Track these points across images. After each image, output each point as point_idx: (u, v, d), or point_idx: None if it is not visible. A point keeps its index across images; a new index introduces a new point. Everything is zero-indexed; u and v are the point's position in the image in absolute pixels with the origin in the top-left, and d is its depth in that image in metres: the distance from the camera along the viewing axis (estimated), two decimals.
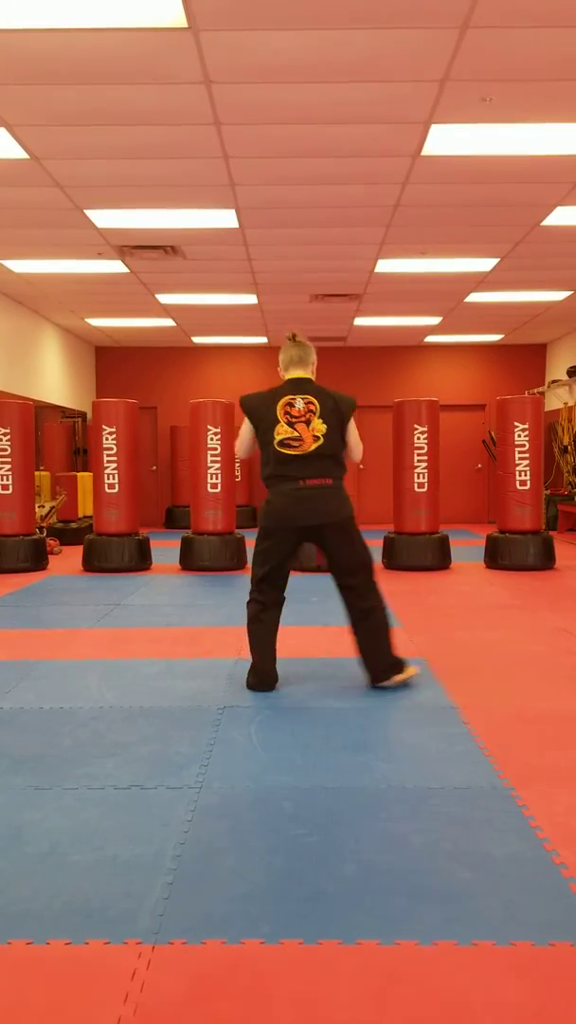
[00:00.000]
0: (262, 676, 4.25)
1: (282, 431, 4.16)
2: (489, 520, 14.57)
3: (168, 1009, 1.82)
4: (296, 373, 4.29)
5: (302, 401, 4.18)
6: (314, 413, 4.15)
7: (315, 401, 4.18)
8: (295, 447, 4.14)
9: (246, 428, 4.33)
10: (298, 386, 4.24)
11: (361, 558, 4.25)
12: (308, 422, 4.14)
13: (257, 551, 4.30)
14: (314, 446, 4.13)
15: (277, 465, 4.18)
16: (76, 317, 12.33)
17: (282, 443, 4.15)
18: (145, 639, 5.52)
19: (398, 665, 4.26)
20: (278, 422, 4.17)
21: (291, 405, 4.18)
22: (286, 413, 4.17)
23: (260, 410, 4.24)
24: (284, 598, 4.35)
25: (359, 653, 4.29)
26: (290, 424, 4.16)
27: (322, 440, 4.14)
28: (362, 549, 4.26)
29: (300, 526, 4.17)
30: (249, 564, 9.44)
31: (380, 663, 4.24)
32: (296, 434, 4.14)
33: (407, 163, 6.26)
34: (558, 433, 13.50)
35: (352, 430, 4.30)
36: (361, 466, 14.66)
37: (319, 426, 4.14)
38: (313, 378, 4.32)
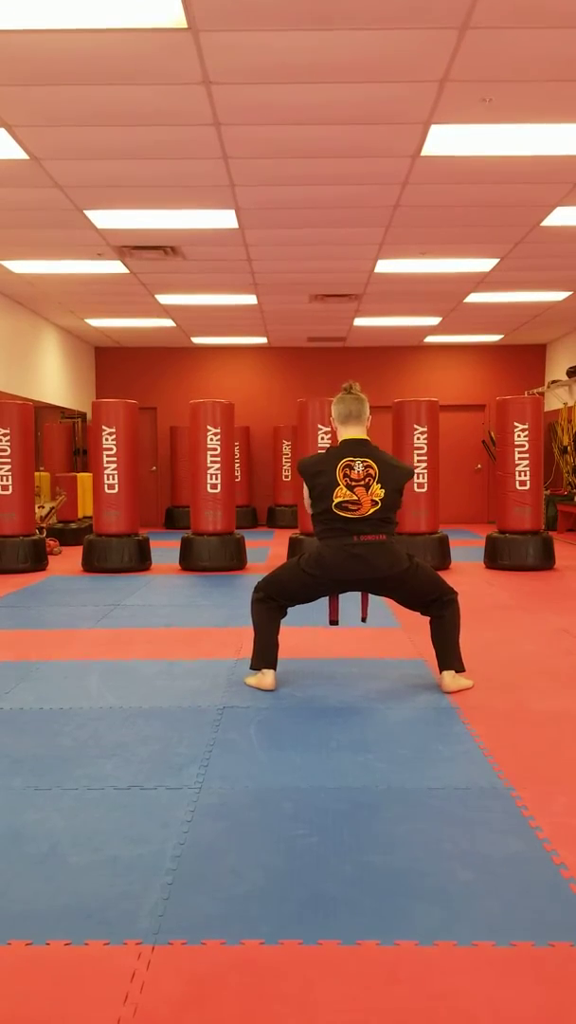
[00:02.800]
0: (262, 649, 4.26)
1: (341, 494, 4.15)
2: (489, 520, 14.57)
3: (168, 1010, 1.82)
4: (352, 432, 4.26)
5: (361, 465, 4.15)
6: (373, 478, 4.13)
7: (374, 466, 4.16)
8: (353, 511, 4.14)
9: (306, 492, 4.33)
10: (356, 448, 4.21)
11: (427, 588, 4.29)
12: (368, 487, 4.13)
13: (293, 571, 4.28)
14: (372, 510, 4.12)
15: (333, 523, 4.18)
16: (76, 318, 12.33)
17: (340, 506, 4.15)
18: (145, 639, 5.52)
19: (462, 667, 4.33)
20: (337, 485, 4.15)
21: (350, 468, 4.16)
22: (345, 476, 4.15)
23: (318, 473, 4.21)
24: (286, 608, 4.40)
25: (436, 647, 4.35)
26: (349, 488, 4.15)
27: (379, 505, 4.13)
28: (426, 583, 4.28)
29: (347, 579, 4.22)
30: (250, 563, 9.42)
31: (453, 653, 4.30)
32: (355, 497, 4.13)
33: (407, 163, 6.26)
34: (558, 433, 13.51)
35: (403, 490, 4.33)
36: None
37: (378, 491, 4.12)
38: (368, 437, 4.30)
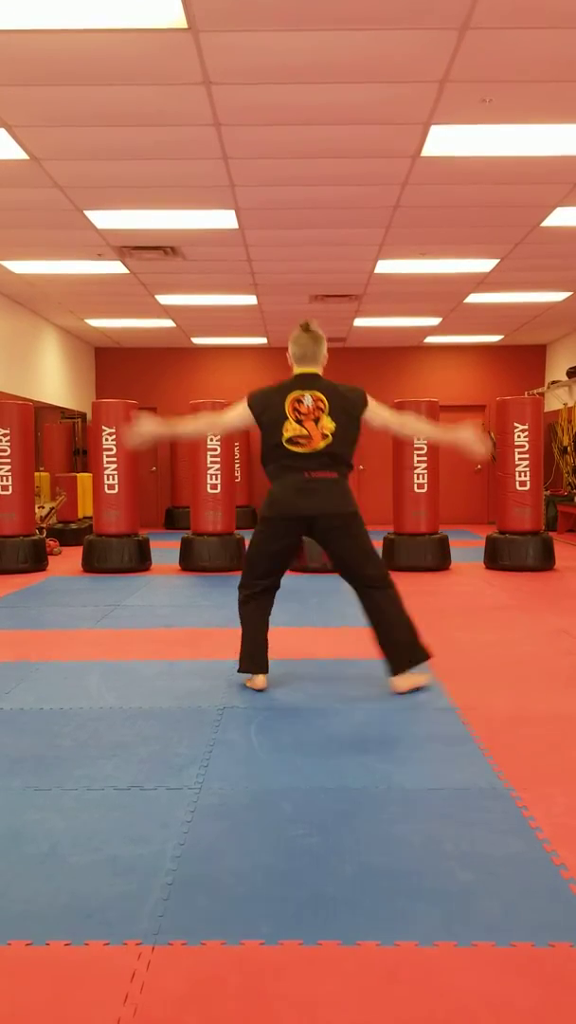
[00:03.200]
0: (251, 652, 4.22)
1: (290, 428, 4.09)
2: (489, 521, 14.57)
3: (168, 1010, 1.82)
4: (305, 368, 4.20)
5: (311, 398, 4.09)
6: (323, 411, 4.07)
7: (324, 398, 4.10)
8: (303, 444, 4.08)
9: (237, 413, 4.23)
10: (307, 382, 4.15)
11: (365, 554, 4.17)
12: (317, 420, 4.07)
13: (253, 539, 4.27)
14: (322, 444, 4.06)
15: (285, 459, 4.12)
16: (76, 318, 12.33)
17: (290, 440, 4.09)
18: (145, 640, 5.52)
19: (417, 654, 4.19)
20: (287, 419, 4.09)
21: (299, 401, 4.10)
22: (295, 410, 4.10)
23: (268, 406, 4.15)
24: (277, 586, 4.30)
25: (379, 647, 4.24)
26: (298, 421, 4.09)
27: (331, 438, 4.06)
28: (367, 545, 4.19)
29: (301, 515, 4.11)
30: None
31: (397, 652, 4.17)
32: (305, 432, 4.08)
33: (407, 164, 6.26)
34: (558, 434, 13.51)
35: (377, 414, 4.20)
36: (361, 466, 14.67)
37: (328, 424, 4.06)
38: (321, 373, 4.23)
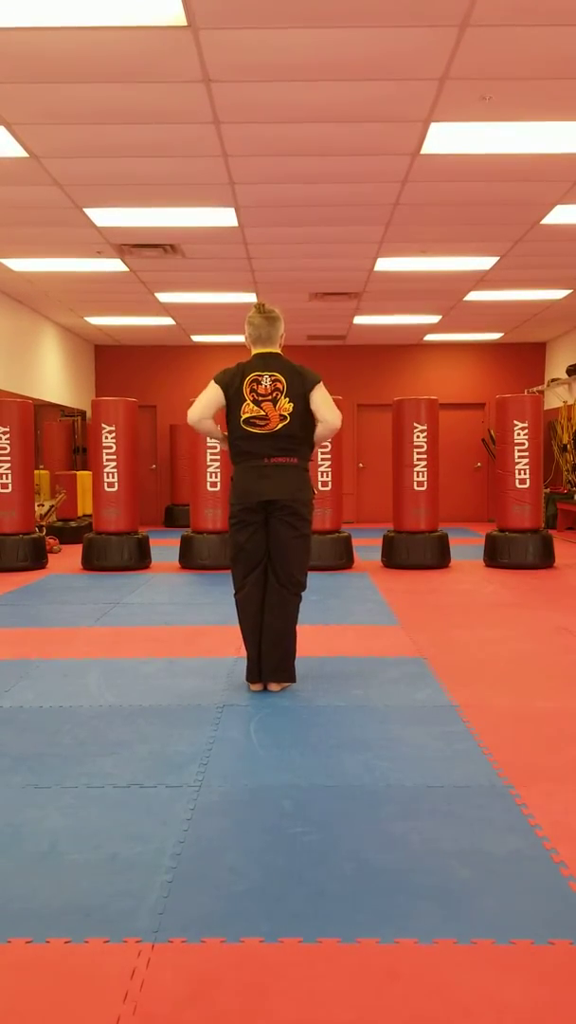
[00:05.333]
0: (253, 658, 4.18)
1: (248, 409, 4.07)
2: (488, 519, 14.56)
3: (167, 1008, 1.82)
4: (263, 349, 4.19)
5: (269, 378, 4.07)
6: (281, 392, 4.04)
7: (282, 379, 4.07)
8: (261, 426, 4.06)
9: (208, 395, 4.20)
10: (265, 362, 4.12)
11: (298, 554, 4.11)
12: (275, 400, 4.04)
13: (229, 532, 4.23)
14: (280, 425, 4.04)
15: (242, 442, 4.11)
16: (75, 316, 12.33)
17: (248, 421, 4.07)
18: (144, 638, 5.52)
19: (289, 672, 4.19)
20: (244, 400, 4.07)
21: (257, 383, 4.08)
22: (252, 391, 4.07)
23: (229, 385, 4.14)
24: (265, 572, 4.20)
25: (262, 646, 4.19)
26: (256, 403, 4.06)
27: (288, 419, 4.04)
28: (304, 546, 4.13)
29: (261, 500, 4.07)
30: None
31: (272, 661, 4.16)
32: (262, 413, 4.05)
33: (406, 162, 6.25)
34: (557, 432, 13.51)
35: (321, 400, 4.11)
36: (361, 464, 14.66)
37: (286, 405, 4.04)
38: (280, 352, 4.20)
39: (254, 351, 4.21)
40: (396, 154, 6.11)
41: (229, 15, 4.21)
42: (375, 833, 2.63)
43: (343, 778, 3.07)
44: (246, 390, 4.08)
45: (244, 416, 4.07)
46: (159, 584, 7.90)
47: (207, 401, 4.22)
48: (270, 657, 4.15)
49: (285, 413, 4.04)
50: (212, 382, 4.21)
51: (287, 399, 4.05)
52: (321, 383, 4.16)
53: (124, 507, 8.98)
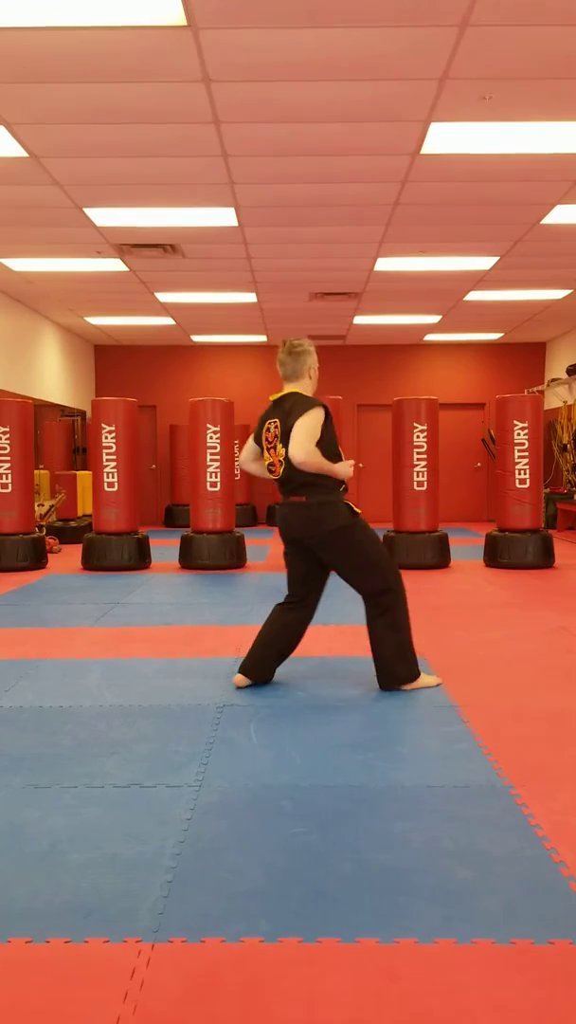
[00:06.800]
0: (250, 652, 4.28)
1: (266, 456, 4.21)
2: (488, 519, 14.57)
3: (167, 1007, 1.82)
4: (284, 389, 4.22)
5: (272, 426, 4.15)
6: (277, 438, 4.11)
7: (279, 425, 4.10)
8: (272, 472, 4.20)
9: (247, 445, 4.37)
10: (275, 407, 4.18)
11: (354, 568, 4.15)
12: (274, 447, 4.14)
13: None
14: (282, 471, 4.12)
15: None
16: (75, 316, 12.33)
17: (268, 468, 4.23)
18: (144, 638, 5.52)
19: (407, 677, 4.21)
20: (263, 448, 4.22)
21: (267, 430, 4.18)
22: (264, 439, 4.20)
23: (257, 436, 4.29)
24: (308, 604, 4.28)
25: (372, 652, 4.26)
26: (268, 450, 4.19)
27: (284, 464, 4.09)
28: (354, 561, 4.14)
29: (287, 539, 4.22)
30: (250, 562, 9.47)
31: (379, 669, 4.21)
32: (271, 460, 4.18)
33: (406, 161, 6.25)
34: (557, 432, 13.51)
35: (295, 432, 3.97)
36: (361, 464, 14.66)
37: (280, 451, 4.10)
38: (301, 389, 4.15)
39: (281, 391, 4.24)
40: (396, 154, 6.11)
41: (229, 15, 4.21)
42: (375, 833, 2.63)
43: (343, 778, 3.07)
44: (263, 438, 4.21)
45: (266, 463, 4.23)
46: (159, 584, 7.90)
47: (246, 452, 4.39)
48: (382, 665, 4.21)
49: (280, 459, 4.11)
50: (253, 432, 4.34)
51: (281, 444, 4.10)
52: (308, 413, 3.99)
53: (124, 507, 8.98)
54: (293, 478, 4.08)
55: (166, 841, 2.56)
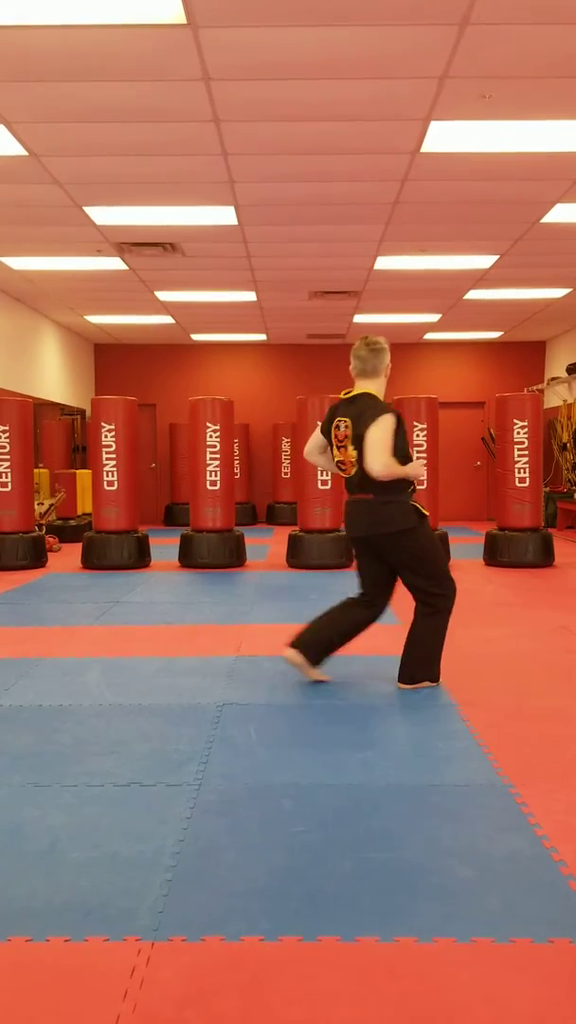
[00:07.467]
0: (306, 630, 4.26)
1: (335, 454, 4.19)
2: (488, 517, 14.56)
3: (167, 1006, 1.82)
4: (358, 387, 4.18)
5: (343, 425, 4.11)
6: (348, 438, 4.08)
7: (349, 425, 4.08)
8: (344, 470, 4.17)
9: (313, 438, 4.35)
10: (345, 405, 4.15)
11: (412, 569, 4.13)
12: (344, 447, 4.11)
13: None
14: (354, 471, 4.10)
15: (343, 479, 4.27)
16: (75, 314, 12.32)
17: (338, 464, 4.20)
18: (144, 637, 5.52)
19: (422, 680, 4.23)
20: (332, 444, 4.19)
21: (337, 427, 4.16)
22: (335, 436, 4.16)
23: (325, 430, 4.26)
24: (375, 604, 4.27)
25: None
26: (338, 448, 4.16)
27: (357, 466, 4.07)
28: (413, 562, 4.12)
29: (352, 537, 4.24)
30: (249, 561, 9.45)
31: (409, 665, 4.23)
32: (342, 458, 4.15)
33: (406, 160, 6.25)
34: (557, 430, 13.50)
35: (369, 443, 3.96)
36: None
37: (351, 452, 4.07)
38: (374, 389, 4.15)
39: (353, 389, 4.21)
40: (396, 153, 6.11)
41: (229, 13, 4.21)
42: (375, 832, 2.63)
43: (343, 777, 3.07)
44: (332, 436, 4.19)
45: (336, 460, 4.21)
46: (159, 583, 7.90)
47: (312, 443, 4.38)
48: (409, 660, 4.22)
49: (353, 460, 4.09)
50: (320, 423, 4.32)
51: (352, 446, 4.08)
52: (378, 423, 3.99)
53: (124, 506, 8.98)
54: (365, 479, 4.07)
55: (166, 840, 2.56)
